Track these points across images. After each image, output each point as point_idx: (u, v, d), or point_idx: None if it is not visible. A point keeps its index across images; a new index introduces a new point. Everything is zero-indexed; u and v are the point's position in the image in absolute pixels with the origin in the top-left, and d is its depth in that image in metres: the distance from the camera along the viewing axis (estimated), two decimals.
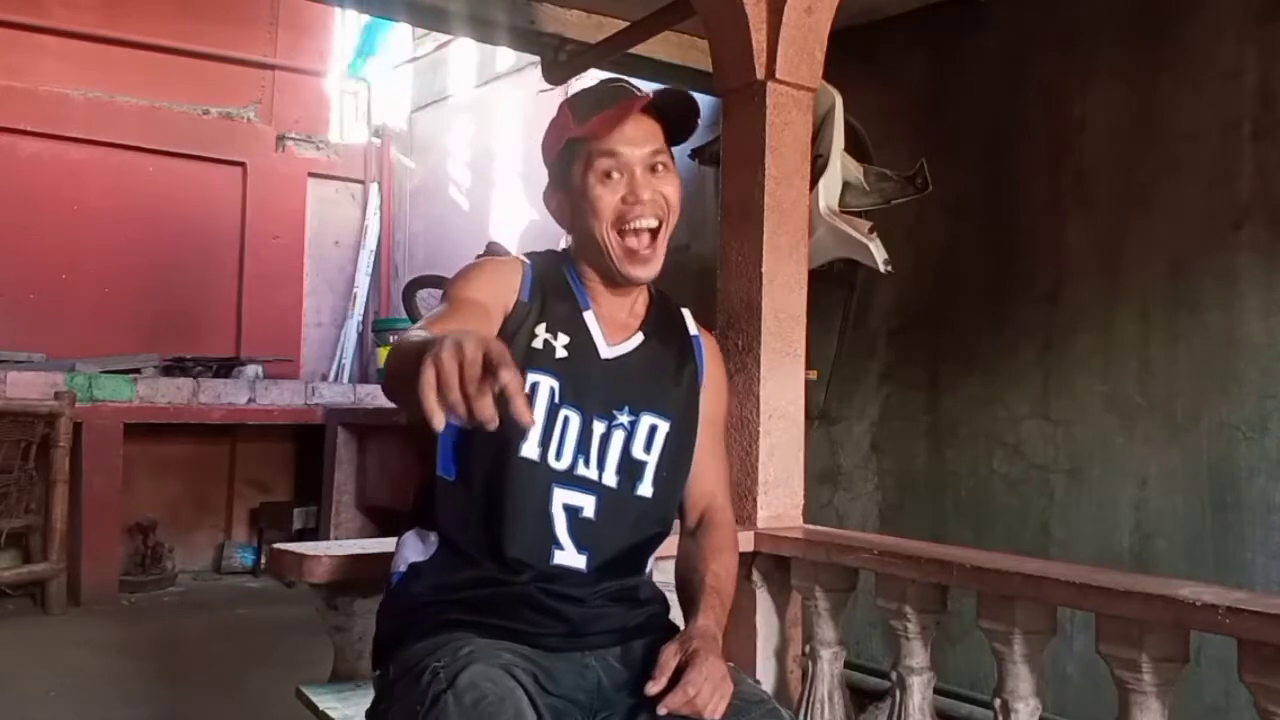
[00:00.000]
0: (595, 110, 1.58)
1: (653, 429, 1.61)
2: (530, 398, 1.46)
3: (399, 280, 7.82)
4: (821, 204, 3.51)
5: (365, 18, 7.75)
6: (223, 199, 7.36)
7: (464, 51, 7.22)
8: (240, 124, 7.51)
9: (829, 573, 2.54)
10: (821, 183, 3.50)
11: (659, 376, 1.65)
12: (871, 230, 3.56)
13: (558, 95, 5.94)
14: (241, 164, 7.43)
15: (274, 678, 4.06)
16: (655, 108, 1.58)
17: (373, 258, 8.06)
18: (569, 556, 1.53)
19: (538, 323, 1.57)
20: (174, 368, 6.42)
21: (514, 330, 1.56)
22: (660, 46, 4.25)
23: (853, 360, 4.38)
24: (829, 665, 2.55)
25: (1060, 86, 3.76)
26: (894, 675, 2.39)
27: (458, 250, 6.22)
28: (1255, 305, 3.23)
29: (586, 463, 1.55)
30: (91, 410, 5.66)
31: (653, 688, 1.40)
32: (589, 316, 1.62)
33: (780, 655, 2.74)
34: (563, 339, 1.58)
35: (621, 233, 1.58)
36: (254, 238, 7.46)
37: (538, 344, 1.56)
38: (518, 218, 6.66)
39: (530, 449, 1.52)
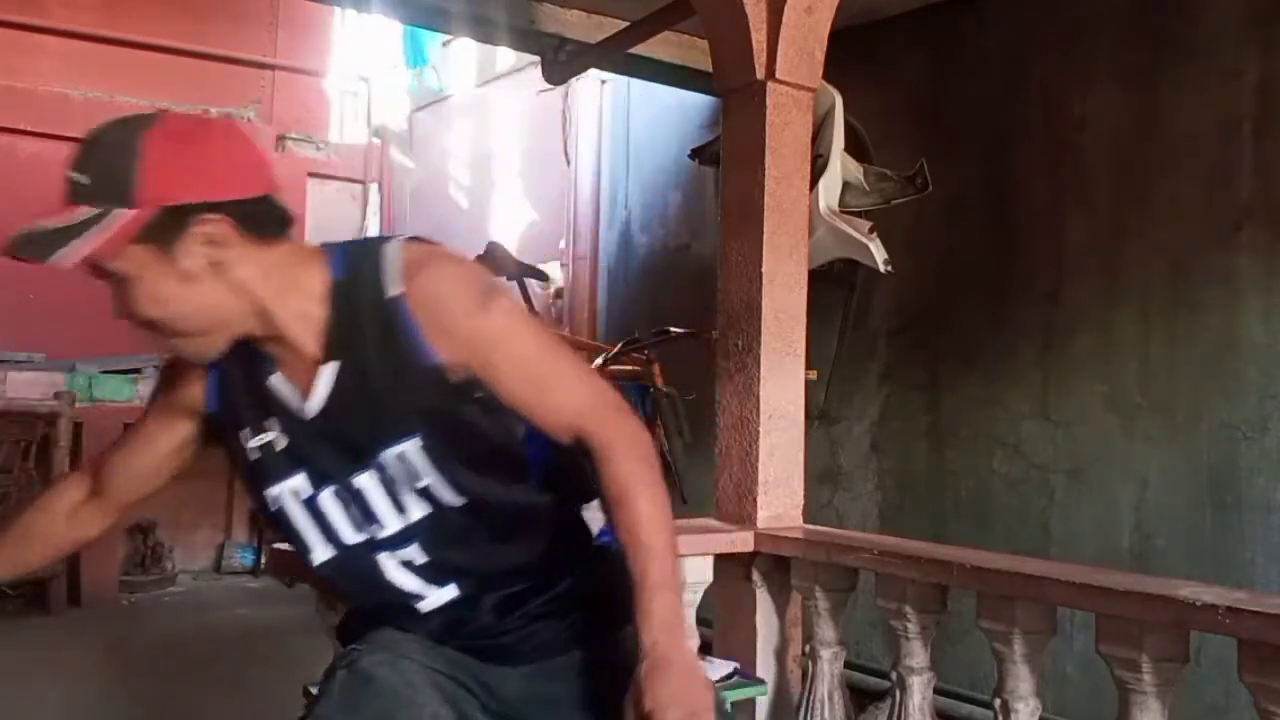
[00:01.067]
0: None
1: (400, 456, 1.33)
2: (284, 515, 1.38)
3: None
4: (821, 204, 3.51)
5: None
6: None
7: (464, 51, 7.22)
8: (240, 124, 7.51)
9: (829, 573, 2.54)
10: (821, 183, 3.51)
11: (372, 396, 1.32)
12: (871, 230, 3.57)
13: (558, 95, 5.96)
14: None
15: (274, 678, 4.05)
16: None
17: None
18: (437, 596, 1.41)
19: (239, 429, 1.37)
20: None
21: (229, 445, 1.41)
22: (660, 46, 4.26)
23: (853, 360, 4.38)
24: (829, 665, 2.55)
25: (1060, 86, 3.76)
26: (894, 675, 2.39)
27: (458, 250, 6.22)
28: (1255, 305, 3.23)
29: (379, 522, 1.37)
30: (91, 410, 5.66)
31: None
32: (276, 382, 1.35)
33: (780, 655, 2.74)
34: (273, 427, 1.36)
35: None
36: None
37: (255, 454, 1.37)
38: (518, 218, 6.66)
39: (319, 554, 1.39)
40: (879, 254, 3.54)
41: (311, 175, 7.85)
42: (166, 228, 1.21)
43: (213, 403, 1.39)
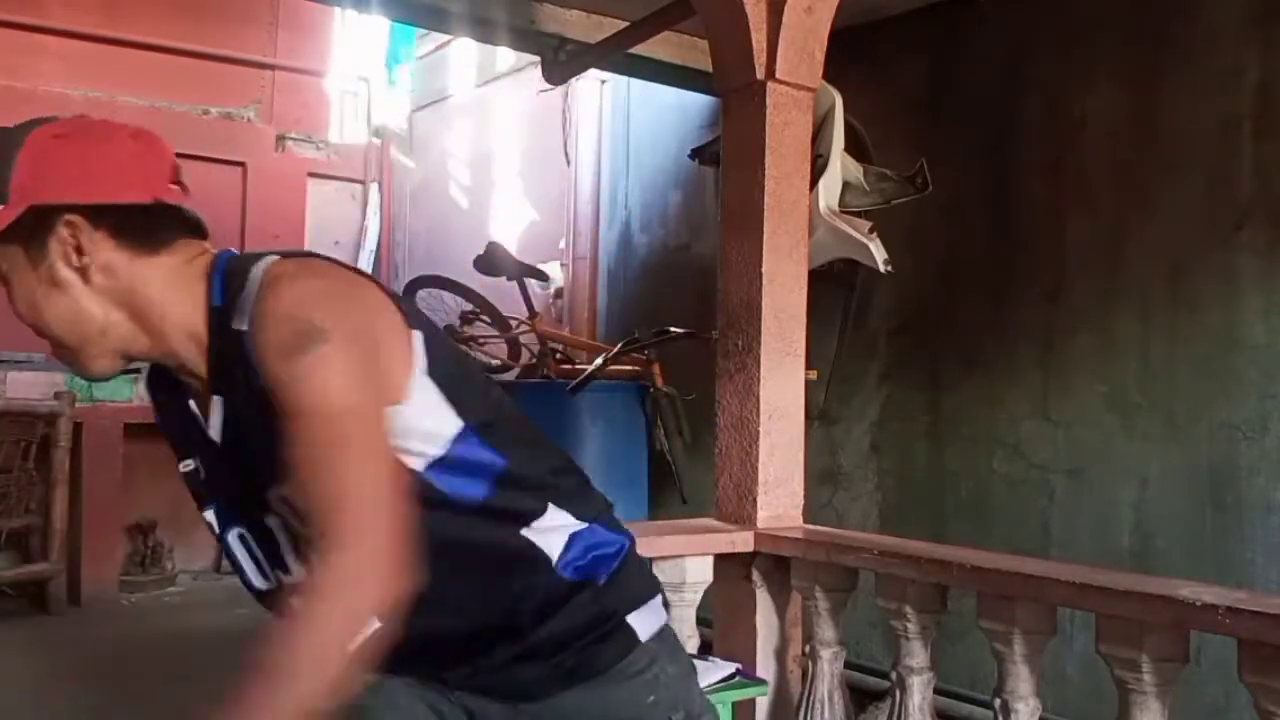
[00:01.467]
0: None
1: (285, 500, 1.22)
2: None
3: (399, 280, 7.81)
4: (821, 204, 3.51)
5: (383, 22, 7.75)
6: (223, 199, 7.34)
7: (464, 51, 7.22)
8: (240, 124, 7.51)
9: (829, 573, 2.54)
10: (821, 183, 3.51)
11: (244, 442, 1.23)
12: (871, 230, 3.57)
13: (558, 95, 5.96)
14: (241, 164, 7.42)
15: None
16: None
17: (373, 258, 8.05)
18: None
19: (175, 450, 1.31)
20: None
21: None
22: (660, 46, 4.26)
23: (853, 360, 4.38)
24: (829, 665, 2.55)
25: (1060, 86, 3.76)
26: (894, 675, 2.39)
27: (458, 250, 6.22)
28: (1255, 305, 3.23)
29: (286, 570, 1.28)
30: (91, 410, 5.66)
31: None
32: (192, 408, 1.27)
33: (780, 655, 2.74)
34: (195, 454, 1.29)
35: None
36: (254, 238, 7.43)
37: (187, 479, 1.31)
38: (518, 218, 6.66)
39: (258, 582, 1.32)
40: (879, 254, 3.54)
41: (311, 175, 7.85)
42: (33, 228, 1.14)
43: (159, 422, 1.34)
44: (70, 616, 5.41)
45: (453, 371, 1.24)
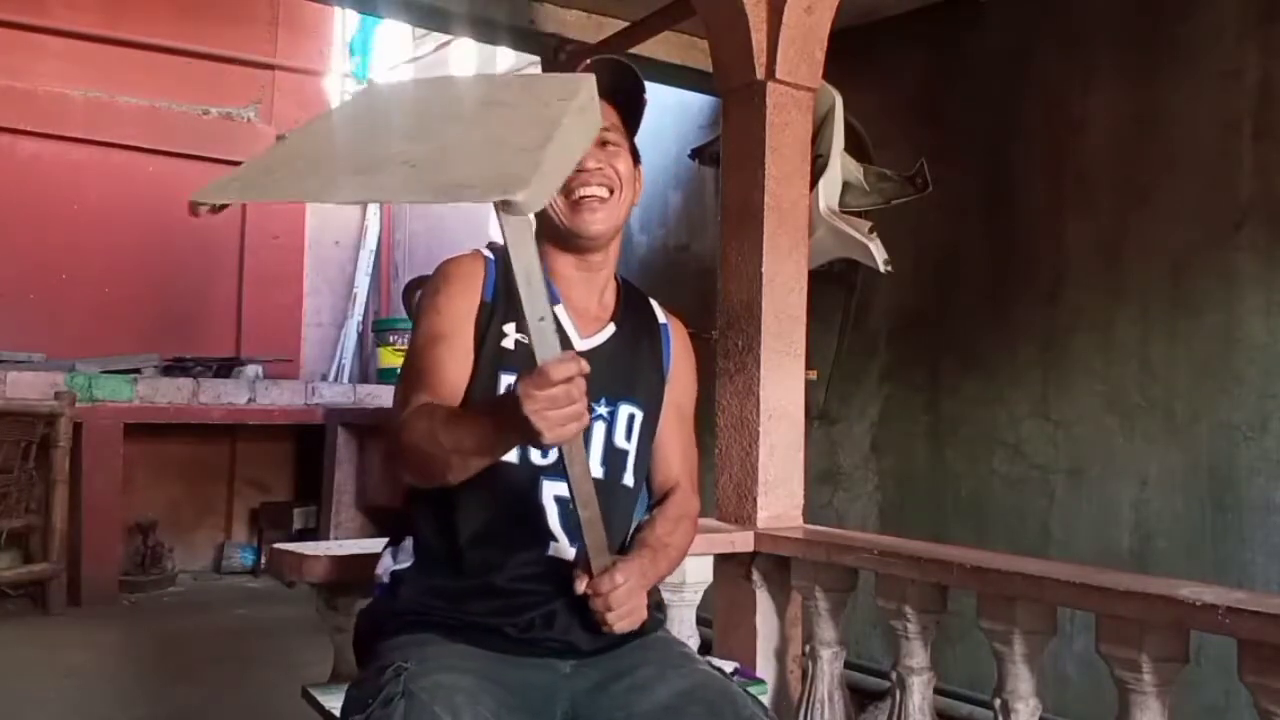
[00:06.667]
0: None
1: (631, 417, 1.62)
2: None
3: (399, 280, 7.81)
4: (821, 204, 3.51)
5: (356, 20, 7.78)
6: None
7: (464, 51, 7.22)
8: (240, 124, 7.51)
9: (829, 573, 2.54)
10: (821, 183, 3.50)
11: (633, 365, 1.65)
12: (871, 230, 3.56)
13: None
14: (242, 164, 7.42)
15: (274, 678, 4.05)
16: (603, 91, 1.56)
17: (373, 258, 8.06)
18: (562, 549, 1.52)
19: (505, 321, 1.55)
20: (174, 368, 6.41)
21: (483, 333, 1.55)
22: (660, 46, 4.26)
23: (853, 360, 4.38)
24: (829, 665, 2.55)
25: (1060, 86, 3.76)
26: (894, 675, 2.39)
27: (457, 250, 6.21)
28: (1255, 305, 3.23)
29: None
30: (91, 410, 5.66)
31: (579, 585, 1.43)
32: (559, 310, 1.58)
33: (780, 655, 2.74)
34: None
35: (569, 198, 1.56)
36: (254, 238, 7.45)
37: (508, 344, 1.54)
38: None
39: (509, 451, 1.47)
40: (879, 254, 3.54)
41: None
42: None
43: (489, 294, 1.60)
44: (70, 616, 5.41)
45: None
